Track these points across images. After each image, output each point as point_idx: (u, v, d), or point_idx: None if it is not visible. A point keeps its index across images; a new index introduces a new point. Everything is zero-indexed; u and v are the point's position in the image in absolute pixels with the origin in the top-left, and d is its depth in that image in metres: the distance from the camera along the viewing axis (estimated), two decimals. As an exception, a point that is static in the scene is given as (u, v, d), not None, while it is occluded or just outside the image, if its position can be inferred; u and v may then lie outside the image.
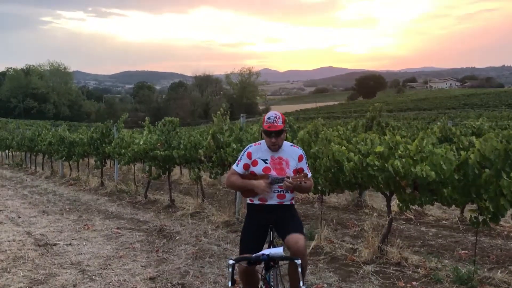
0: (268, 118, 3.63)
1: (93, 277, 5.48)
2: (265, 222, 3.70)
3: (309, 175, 3.70)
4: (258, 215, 3.73)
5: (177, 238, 7.28)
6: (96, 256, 6.37)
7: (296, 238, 3.46)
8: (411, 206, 5.42)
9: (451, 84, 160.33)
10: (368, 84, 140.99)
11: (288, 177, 3.51)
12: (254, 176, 3.69)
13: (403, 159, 5.14)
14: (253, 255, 3.19)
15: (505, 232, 7.23)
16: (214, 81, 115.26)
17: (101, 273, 5.61)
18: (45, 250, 6.70)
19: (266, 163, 3.69)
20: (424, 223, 8.01)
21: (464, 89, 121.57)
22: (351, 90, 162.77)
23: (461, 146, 7.78)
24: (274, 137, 3.60)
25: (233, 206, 8.62)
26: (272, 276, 3.49)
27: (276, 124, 3.58)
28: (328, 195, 6.88)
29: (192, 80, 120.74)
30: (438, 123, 10.14)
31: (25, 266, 5.93)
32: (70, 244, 7.06)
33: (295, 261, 3.07)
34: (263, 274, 3.27)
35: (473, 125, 10.16)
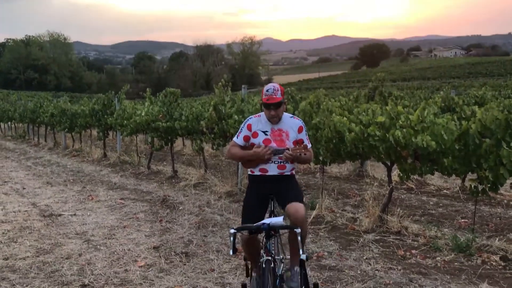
0: (267, 91, 3.61)
1: (98, 246, 5.58)
2: (266, 192, 3.74)
3: (309, 146, 3.71)
4: (259, 186, 3.76)
5: (180, 208, 7.37)
6: (101, 226, 6.47)
7: (296, 207, 3.49)
8: (412, 176, 5.46)
9: (456, 52, 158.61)
10: (371, 53, 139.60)
11: (288, 149, 3.53)
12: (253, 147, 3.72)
13: (404, 129, 5.15)
14: (254, 225, 3.25)
15: (505, 201, 7.29)
16: (216, 51, 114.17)
17: (105, 243, 5.72)
18: (50, 221, 6.81)
19: (266, 134, 3.70)
20: (425, 193, 8.08)
21: (469, 58, 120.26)
22: (354, 59, 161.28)
23: (463, 116, 7.76)
24: (273, 109, 3.59)
25: (235, 176, 8.69)
26: (272, 245, 3.56)
27: (274, 96, 3.57)
28: (329, 165, 6.93)
29: (193, 50, 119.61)
30: (441, 92, 10.10)
31: (31, 236, 6.05)
32: (74, 214, 7.16)
33: (295, 230, 3.13)
34: (263, 242, 3.33)
35: (476, 94, 10.11)
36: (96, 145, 15.15)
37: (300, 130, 3.73)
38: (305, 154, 3.54)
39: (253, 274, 3.76)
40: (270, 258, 3.24)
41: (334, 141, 6.11)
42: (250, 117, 3.85)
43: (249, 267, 3.70)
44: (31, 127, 20.57)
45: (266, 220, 3.21)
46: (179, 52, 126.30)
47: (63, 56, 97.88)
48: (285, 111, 3.80)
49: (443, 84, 41.93)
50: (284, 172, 3.74)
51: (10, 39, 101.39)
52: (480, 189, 4.82)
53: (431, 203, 7.37)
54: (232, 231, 3.11)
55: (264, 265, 3.17)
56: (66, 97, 17.99)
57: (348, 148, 5.91)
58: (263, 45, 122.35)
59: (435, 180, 8.83)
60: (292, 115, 3.83)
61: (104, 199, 8.18)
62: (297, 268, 3.68)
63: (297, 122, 3.76)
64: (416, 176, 5.58)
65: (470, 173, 5.02)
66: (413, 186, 8.47)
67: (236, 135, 3.82)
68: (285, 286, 3.75)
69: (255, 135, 3.72)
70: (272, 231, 3.25)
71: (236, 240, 3.23)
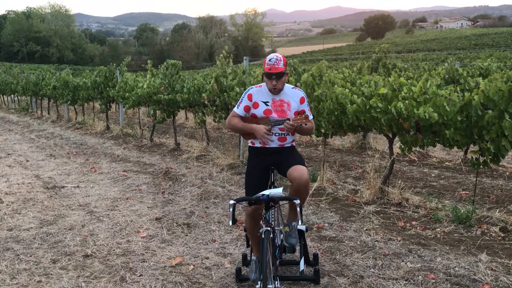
0: (269, 60, 3.56)
1: (101, 218, 5.64)
2: (267, 164, 3.73)
3: (310, 117, 3.68)
4: (260, 158, 3.75)
5: (183, 180, 7.41)
6: (103, 198, 6.52)
7: (300, 171, 3.45)
8: (413, 148, 5.44)
9: (462, 23, 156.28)
10: (377, 25, 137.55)
11: (288, 119, 3.50)
12: (255, 118, 3.68)
13: (406, 101, 5.10)
14: (253, 196, 3.25)
15: (507, 173, 7.29)
16: (218, 22, 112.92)
17: (108, 214, 5.77)
18: (54, 193, 6.86)
19: (267, 105, 3.65)
20: (427, 165, 8.07)
21: (476, 29, 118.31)
22: (359, 30, 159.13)
23: (467, 88, 7.69)
24: (275, 79, 3.54)
25: (237, 149, 8.70)
26: (272, 216, 3.58)
27: (277, 66, 3.52)
28: (331, 137, 6.91)
29: (196, 22, 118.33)
30: (446, 64, 9.98)
31: (35, 207, 6.11)
32: (77, 186, 7.22)
33: (294, 201, 3.13)
34: (263, 213, 3.35)
35: (481, 66, 9.98)
36: (99, 117, 15.15)
37: (302, 100, 3.69)
38: (306, 124, 3.51)
39: (253, 257, 3.72)
40: (269, 228, 3.25)
41: (336, 113, 6.08)
42: (251, 87, 3.80)
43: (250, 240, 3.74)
44: (34, 99, 20.56)
45: (265, 192, 3.22)
46: (182, 23, 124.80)
47: (65, 28, 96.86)
48: (287, 83, 3.75)
49: (449, 55, 41.40)
50: (284, 144, 3.72)
51: (11, 11, 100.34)
52: (481, 161, 4.80)
53: (432, 175, 7.37)
54: (232, 202, 3.12)
55: (263, 236, 3.19)
56: (68, 70, 17.84)
57: (350, 120, 5.88)
58: (266, 16, 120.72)
59: (438, 152, 8.82)
60: (293, 86, 3.78)
61: (107, 171, 8.22)
62: (295, 223, 3.69)
63: (299, 93, 3.72)
64: (418, 148, 5.55)
65: (472, 145, 5.00)
66: (415, 158, 8.46)
67: (236, 105, 3.78)
68: (285, 243, 3.78)
69: (255, 105, 3.68)
70: (271, 202, 3.27)
71: (236, 211, 3.25)
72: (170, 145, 10.28)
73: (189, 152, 9.35)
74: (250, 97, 3.72)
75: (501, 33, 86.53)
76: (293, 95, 3.70)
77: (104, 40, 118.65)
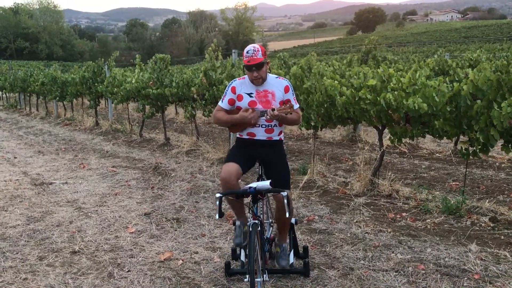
0: (247, 52, 3.48)
1: (89, 214, 5.57)
2: (253, 153, 3.68)
3: (296, 106, 3.63)
4: (247, 147, 3.71)
5: (172, 175, 7.35)
6: (92, 194, 6.45)
7: (281, 197, 3.39)
8: (403, 139, 5.42)
9: (452, 16, 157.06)
10: (367, 18, 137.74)
11: (273, 109, 3.44)
12: (240, 111, 3.63)
13: (396, 92, 5.07)
14: (241, 189, 3.21)
15: (497, 164, 7.31)
16: (209, 17, 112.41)
17: (96, 210, 5.70)
18: (41, 189, 6.77)
19: (251, 96, 3.60)
20: (418, 157, 8.08)
21: (465, 22, 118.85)
22: (350, 24, 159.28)
23: (457, 79, 7.68)
24: (255, 70, 3.47)
25: (227, 143, 8.64)
26: (260, 209, 3.54)
27: (255, 57, 3.45)
28: (321, 130, 6.88)
29: (186, 16, 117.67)
30: (435, 56, 9.97)
31: (22, 204, 6.02)
32: (66, 183, 7.13)
33: (281, 193, 3.09)
34: (250, 206, 3.31)
35: (470, 57, 9.98)
36: (88, 113, 15.03)
37: (286, 89, 3.63)
38: (291, 113, 3.46)
39: (237, 222, 3.75)
40: (257, 221, 3.21)
41: (325, 105, 6.03)
42: (234, 79, 3.75)
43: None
44: (23, 96, 20.35)
45: (253, 184, 3.18)
46: (172, 18, 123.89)
47: (54, 24, 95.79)
48: (269, 72, 3.70)
49: (439, 48, 41.54)
50: (272, 136, 3.67)
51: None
52: (471, 151, 4.79)
53: (423, 166, 7.37)
54: (218, 195, 3.08)
55: (251, 229, 3.15)
56: (56, 66, 17.66)
57: (339, 112, 5.84)
58: (257, 10, 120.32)
59: (428, 144, 8.83)
60: (277, 76, 3.73)
61: (96, 167, 8.14)
62: (285, 245, 3.66)
63: (283, 82, 3.67)
64: (408, 140, 5.53)
65: (461, 135, 4.99)
66: (405, 150, 8.46)
67: (221, 99, 3.73)
68: (275, 264, 3.76)
69: (240, 97, 3.63)
70: (258, 195, 3.22)
71: (224, 204, 3.21)
72: (159, 140, 10.20)
73: (179, 147, 9.28)
74: (233, 90, 3.67)
75: (491, 26, 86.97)
76: (277, 85, 3.65)
77: (94, 36, 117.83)
